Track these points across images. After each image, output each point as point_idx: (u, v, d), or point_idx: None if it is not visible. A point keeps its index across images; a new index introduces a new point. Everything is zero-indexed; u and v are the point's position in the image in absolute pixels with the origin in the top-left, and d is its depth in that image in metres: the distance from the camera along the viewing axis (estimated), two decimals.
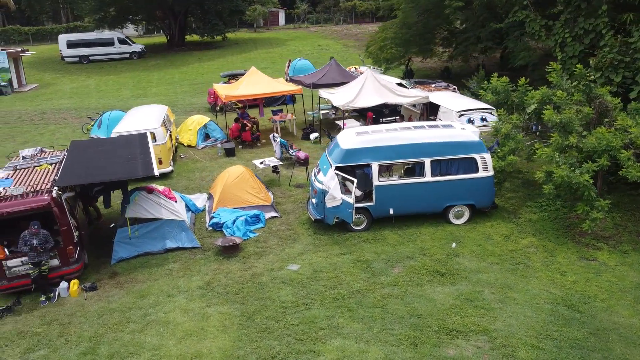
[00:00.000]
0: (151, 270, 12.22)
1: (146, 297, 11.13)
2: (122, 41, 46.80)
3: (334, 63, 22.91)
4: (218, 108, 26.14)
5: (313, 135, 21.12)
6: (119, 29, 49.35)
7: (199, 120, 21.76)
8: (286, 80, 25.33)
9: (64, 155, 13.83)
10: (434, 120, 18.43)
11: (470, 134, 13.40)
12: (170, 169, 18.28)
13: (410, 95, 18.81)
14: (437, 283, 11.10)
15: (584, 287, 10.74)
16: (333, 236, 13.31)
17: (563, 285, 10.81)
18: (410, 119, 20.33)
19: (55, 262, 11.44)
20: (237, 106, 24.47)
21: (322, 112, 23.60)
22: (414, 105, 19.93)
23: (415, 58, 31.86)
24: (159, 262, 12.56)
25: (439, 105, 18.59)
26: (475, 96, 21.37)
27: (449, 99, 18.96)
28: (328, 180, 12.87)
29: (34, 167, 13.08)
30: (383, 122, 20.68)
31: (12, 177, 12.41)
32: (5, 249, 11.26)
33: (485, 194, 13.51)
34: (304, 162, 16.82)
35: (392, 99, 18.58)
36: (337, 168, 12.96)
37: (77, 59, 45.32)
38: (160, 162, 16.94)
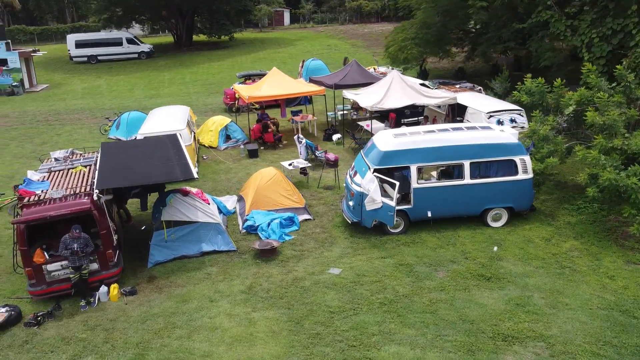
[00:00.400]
0: (189, 274, 12.04)
1: (188, 302, 10.94)
2: (130, 41, 46.60)
3: (355, 64, 22.74)
4: (235, 108, 26.00)
5: (335, 137, 20.95)
6: (125, 29, 49.15)
7: (220, 121, 21.56)
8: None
9: (96, 157, 13.63)
10: (461, 121, 18.27)
11: (509, 135, 13.23)
12: (195, 170, 18.05)
13: (438, 96, 18.63)
14: (484, 287, 10.94)
15: (635, 291, 10.58)
16: (370, 239, 13.14)
17: (614, 290, 10.65)
18: (434, 120, 20.16)
19: (94, 266, 11.26)
20: (254, 107, 24.31)
21: (340, 112, 23.45)
22: (438, 107, 19.75)
23: (429, 58, 31.73)
24: (196, 265, 12.37)
25: (467, 107, 18.43)
26: (498, 97, 21.27)
27: (476, 100, 18.79)
28: (367, 183, 12.69)
29: (68, 169, 12.88)
30: (404, 123, 20.55)
31: (47, 179, 12.21)
32: (45, 253, 11.07)
33: (525, 197, 13.35)
34: (334, 164, 16.63)
35: (420, 100, 18.41)
36: (375, 170, 12.79)
37: (85, 58, 45.13)
38: None
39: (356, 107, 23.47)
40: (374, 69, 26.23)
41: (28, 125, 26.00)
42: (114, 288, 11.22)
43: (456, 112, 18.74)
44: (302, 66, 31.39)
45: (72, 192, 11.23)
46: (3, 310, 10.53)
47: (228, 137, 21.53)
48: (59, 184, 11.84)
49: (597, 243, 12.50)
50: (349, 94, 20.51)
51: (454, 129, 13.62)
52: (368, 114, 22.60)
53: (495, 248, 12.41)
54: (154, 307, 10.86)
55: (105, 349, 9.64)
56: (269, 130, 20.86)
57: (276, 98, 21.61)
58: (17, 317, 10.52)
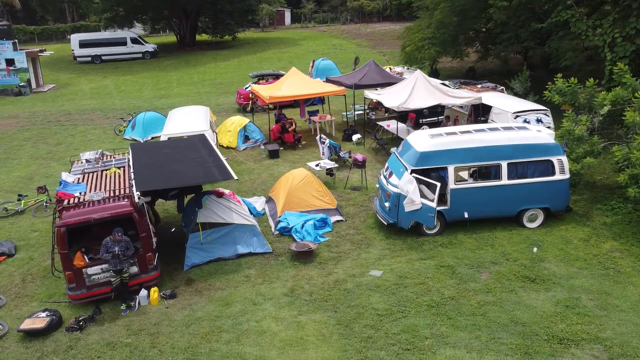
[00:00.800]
0: (227, 276, 11.87)
1: (231, 305, 10.78)
2: (134, 41, 46.28)
3: (373, 63, 22.64)
4: (249, 109, 25.80)
5: (355, 137, 20.82)
6: (127, 28, 48.80)
7: (238, 121, 21.37)
8: None
9: (128, 158, 13.44)
10: (484, 121, 18.17)
11: (546, 136, 13.16)
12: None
13: (462, 96, 18.53)
14: (530, 289, 10.83)
15: None
16: (407, 241, 13.02)
17: None
18: (456, 121, 20.06)
19: (134, 269, 11.08)
20: (269, 107, 24.11)
21: (357, 112, 23.35)
22: (461, 107, 19.66)
23: (439, 58, 31.66)
24: (233, 268, 12.21)
25: (491, 107, 18.33)
26: (519, 97, 21.20)
27: (500, 100, 18.70)
28: (405, 184, 12.56)
29: (102, 170, 12.68)
30: (423, 123, 20.46)
31: (83, 181, 12.01)
32: (85, 256, 10.88)
33: (561, 197, 13.27)
34: (362, 165, 16.49)
35: (445, 100, 18.30)
36: (412, 171, 12.66)
37: (89, 58, 44.80)
38: None
39: (373, 106, 23.38)
40: (390, 68, 26.11)
41: (40, 126, 25.69)
42: (154, 291, 11.04)
43: (480, 113, 18.61)
44: (312, 66, 31.25)
45: (111, 195, 11.04)
46: (43, 315, 10.32)
47: (247, 138, 21.34)
48: (95, 186, 11.64)
49: (637, 244, 12.43)
50: (371, 94, 20.37)
51: (491, 129, 13.52)
52: (386, 114, 22.53)
53: (535, 249, 12.32)
54: (196, 310, 10.68)
55: (152, 354, 9.47)
56: (289, 130, 20.70)
57: (296, 98, 21.44)
58: (58, 321, 10.32)
